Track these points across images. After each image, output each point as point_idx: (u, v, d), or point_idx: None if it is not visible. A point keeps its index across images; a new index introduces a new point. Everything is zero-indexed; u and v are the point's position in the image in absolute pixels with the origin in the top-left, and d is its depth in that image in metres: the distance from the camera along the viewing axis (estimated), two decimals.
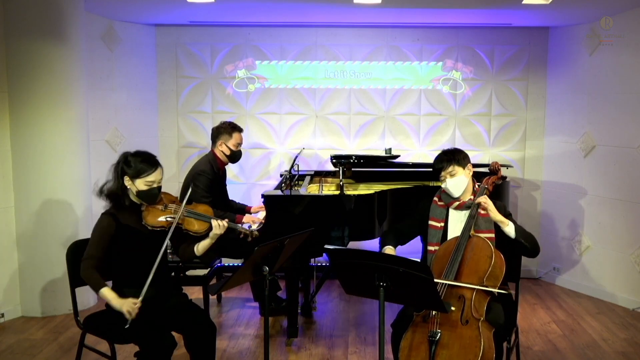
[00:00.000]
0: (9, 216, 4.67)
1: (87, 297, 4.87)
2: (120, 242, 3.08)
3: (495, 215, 3.11)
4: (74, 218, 4.76)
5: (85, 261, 3.03)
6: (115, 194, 3.12)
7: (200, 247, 3.21)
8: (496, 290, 2.93)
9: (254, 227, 4.23)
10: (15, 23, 4.47)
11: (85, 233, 4.71)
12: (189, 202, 3.26)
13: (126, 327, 2.90)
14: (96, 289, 3.01)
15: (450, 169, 3.20)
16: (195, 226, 3.19)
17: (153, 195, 3.12)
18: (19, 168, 4.64)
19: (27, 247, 4.70)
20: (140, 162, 3.09)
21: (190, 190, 3.29)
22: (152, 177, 3.09)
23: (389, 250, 3.26)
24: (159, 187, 3.15)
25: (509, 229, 3.11)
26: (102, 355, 3.23)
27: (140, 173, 3.07)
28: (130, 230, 3.09)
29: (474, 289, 2.92)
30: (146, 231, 3.11)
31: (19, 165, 4.63)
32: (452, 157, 3.23)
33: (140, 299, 2.96)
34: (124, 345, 3.14)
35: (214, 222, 3.17)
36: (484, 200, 3.13)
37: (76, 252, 3.25)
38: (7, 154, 4.63)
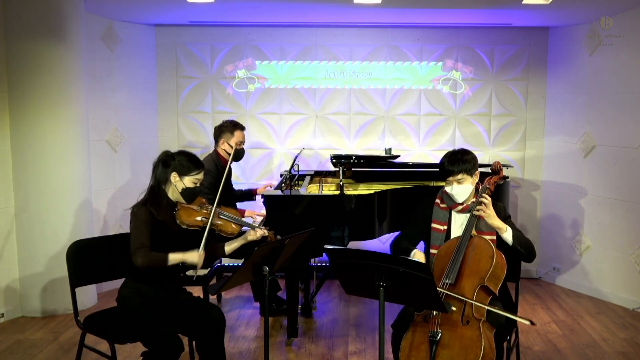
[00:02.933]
0: (9, 216, 4.67)
1: (87, 297, 4.88)
2: (154, 238, 3.08)
3: (493, 221, 3.07)
4: (74, 218, 4.76)
5: (137, 252, 3.01)
6: (155, 189, 3.14)
7: (231, 248, 3.29)
8: (487, 307, 2.90)
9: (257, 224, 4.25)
10: (15, 23, 4.47)
11: (86, 233, 4.72)
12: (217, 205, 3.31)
13: (194, 278, 3.11)
14: (165, 263, 3.04)
15: (459, 176, 3.15)
16: (229, 228, 3.25)
17: (196, 194, 3.20)
18: (19, 168, 4.64)
19: (27, 247, 4.70)
20: (188, 160, 3.16)
21: (220, 191, 3.32)
22: (200, 175, 3.19)
23: (419, 253, 3.20)
24: (201, 188, 3.24)
25: (507, 235, 3.08)
26: (102, 355, 3.23)
27: (190, 171, 3.14)
28: (164, 227, 3.10)
29: (475, 289, 2.92)
30: (177, 229, 3.13)
31: (19, 165, 4.63)
32: (464, 165, 3.15)
33: (202, 251, 3.09)
34: (124, 345, 3.14)
35: (257, 230, 3.25)
36: (483, 207, 3.09)
37: (76, 252, 3.25)
38: (7, 154, 4.62)
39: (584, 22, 5.27)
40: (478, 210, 3.08)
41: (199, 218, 3.16)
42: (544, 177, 5.81)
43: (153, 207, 3.09)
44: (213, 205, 3.22)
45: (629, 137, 4.94)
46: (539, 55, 5.71)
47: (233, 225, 3.28)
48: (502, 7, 4.82)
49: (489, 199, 3.12)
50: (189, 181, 3.15)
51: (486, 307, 2.87)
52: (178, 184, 3.14)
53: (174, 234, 3.13)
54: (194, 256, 3.08)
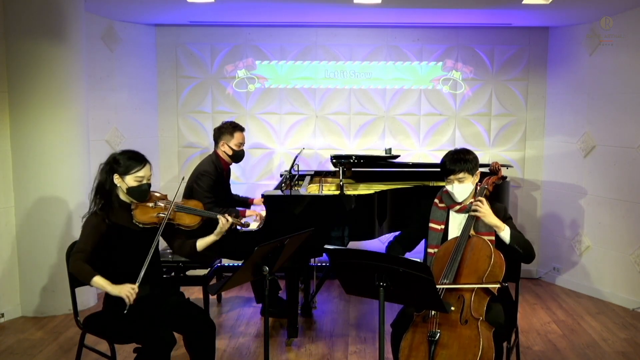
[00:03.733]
0: (9, 216, 4.67)
1: (87, 297, 4.87)
2: (112, 242, 3.07)
3: (490, 219, 3.08)
4: (74, 218, 4.76)
5: (74, 255, 3.02)
6: (104, 192, 3.11)
7: (203, 243, 3.24)
8: (490, 286, 2.91)
9: (255, 225, 4.25)
10: (15, 23, 4.47)
11: None
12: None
13: (125, 312, 2.90)
14: (88, 279, 2.97)
15: (460, 175, 3.16)
16: (187, 220, 3.21)
17: (143, 192, 3.14)
18: (19, 168, 4.64)
19: (27, 247, 4.70)
20: (128, 159, 3.12)
21: (179, 185, 3.30)
22: (142, 172, 3.12)
23: None
24: (149, 184, 3.17)
25: (504, 234, 3.08)
26: (102, 355, 3.23)
27: (129, 169, 3.10)
28: (121, 229, 3.08)
29: (473, 288, 2.92)
30: (137, 229, 3.11)
31: (19, 165, 4.63)
32: (466, 164, 3.17)
33: (137, 284, 2.95)
34: (124, 345, 3.14)
35: (224, 217, 3.22)
36: (479, 205, 3.10)
37: None
38: (7, 154, 4.63)
39: (584, 22, 5.27)
40: (475, 211, 3.09)
41: (154, 215, 3.12)
42: (544, 177, 5.81)
43: (104, 212, 3.07)
44: (171, 199, 3.16)
45: (629, 137, 4.94)
46: (539, 55, 5.71)
47: (189, 217, 3.22)
48: (502, 7, 4.82)
49: (483, 199, 3.13)
50: (131, 180, 3.10)
51: (480, 287, 2.88)
52: (122, 185, 3.11)
53: (134, 235, 3.11)
54: (118, 289, 2.93)
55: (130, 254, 3.09)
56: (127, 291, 2.92)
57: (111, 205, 3.11)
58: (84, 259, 3.00)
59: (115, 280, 3.09)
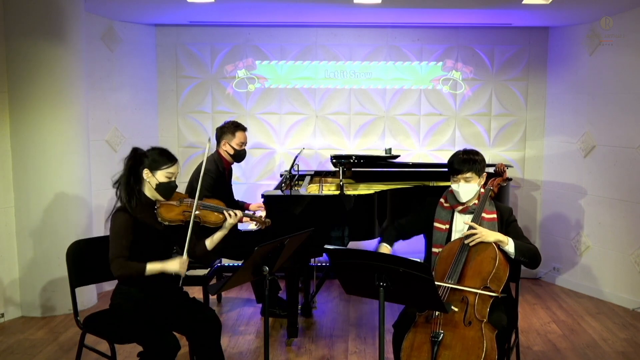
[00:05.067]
0: (9, 216, 4.67)
1: (87, 297, 4.88)
2: (135, 239, 3.03)
3: (491, 238, 3.03)
4: (74, 218, 4.76)
5: (115, 261, 2.97)
6: (130, 186, 3.06)
7: (215, 239, 3.21)
8: (489, 293, 2.91)
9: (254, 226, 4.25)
10: (15, 23, 4.47)
11: (86, 233, 4.72)
12: (199, 198, 3.27)
13: (180, 285, 3.08)
14: (142, 273, 2.98)
15: (468, 174, 3.15)
16: (212, 218, 3.19)
17: (172, 188, 3.12)
18: (19, 168, 4.63)
19: (27, 247, 4.70)
20: (158, 154, 3.10)
21: (200, 184, 3.27)
22: (173, 169, 3.10)
23: (384, 248, 3.27)
24: (176, 182, 3.15)
25: (509, 247, 3.04)
26: (102, 355, 3.23)
27: (160, 165, 3.07)
28: (145, 227, 3.04)
29: (477, 290, 2.92)
30: (160, 228, 3.08)
31: (19, 165, 4.63)
32: (474, 164, 3.16)
33: (185, 257, 3.04)
34: (124, 345, 3.14)
35: (228, 212, 3.20)
36: (473, 231, 3.05)
37: (76, 252, 3.26)
38: (7, 154, 4.62)
39: (584, 22, 5.27)
40: (472, 241, 3.04)
41: (179, 212, 3.10)
42: (544, 177, 5.81)
43: (131, 208, 3.02)
44: (194, 198, 3.13)
45: (629, 137, 4.94)
46: (539, 55, 5.71)
47: (214, 215, 3.21)
48: (502, 7, 4.82)
49: (473, 223, 3.09)
50: (161, 175, 3.07)
51: (486, 294, 2.88)
52: (151, 180, 3.07)
53: (159, 233, 3.09)
54: (175, 265, 3.01)
55: (149, 252, 3.04)
56: (181, 266, 3.03)
57: (138, 200, 3.06)
58: (124, 262, 2.97)
59: (141, 279, 3.07)
